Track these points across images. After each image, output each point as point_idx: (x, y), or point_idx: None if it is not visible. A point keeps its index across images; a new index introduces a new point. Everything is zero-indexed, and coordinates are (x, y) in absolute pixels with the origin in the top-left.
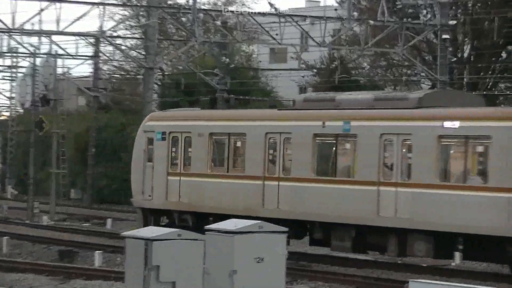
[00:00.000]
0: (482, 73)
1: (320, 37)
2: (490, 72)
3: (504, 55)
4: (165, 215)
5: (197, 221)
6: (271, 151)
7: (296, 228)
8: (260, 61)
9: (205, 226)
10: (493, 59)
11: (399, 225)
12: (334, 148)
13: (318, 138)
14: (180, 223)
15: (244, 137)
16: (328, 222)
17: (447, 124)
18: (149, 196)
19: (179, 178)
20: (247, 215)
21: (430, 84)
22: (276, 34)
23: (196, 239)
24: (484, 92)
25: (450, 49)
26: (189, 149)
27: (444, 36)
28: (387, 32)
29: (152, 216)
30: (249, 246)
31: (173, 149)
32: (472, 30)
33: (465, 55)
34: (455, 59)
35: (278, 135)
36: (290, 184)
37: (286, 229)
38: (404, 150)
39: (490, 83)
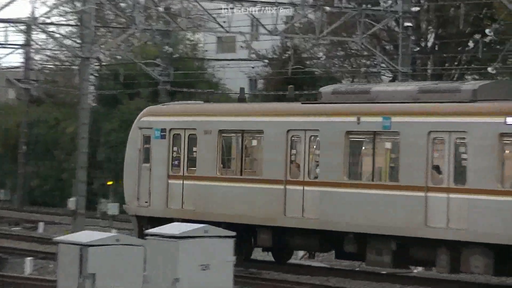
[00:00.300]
0: (447, 64)
1: (272, 25)
2: (456, 63)
3: (471, 44)
4: (165, 224)
5: None
6: (293, 151)
7: (323, 239)
8: (207, 51)
9: (145, 230)
10: (459, 48)
11: (452, 237)
12: (371, 148)
13: (351, 136)
14: None
15: (261, 135)
16: (363, 233)
17: (510, 120)
18: (146, 202)
19: (182, 181)
20: (264, 225)
21: (391, 75)
22: (224, 22)
23: (136, 245)
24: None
25: (413, 38)
26: (194, 149)
27: (406, 24)
28: (345, 20)
29: (149, 225)
30: (194, 252)
31: (175, 149)
32: (437, 17)
33: (429, 44)
34: (418, 48)
35: (302, 132)
36: (317, 189)
37: (233, 233)
38: (457, 150)
39: (456, 75)
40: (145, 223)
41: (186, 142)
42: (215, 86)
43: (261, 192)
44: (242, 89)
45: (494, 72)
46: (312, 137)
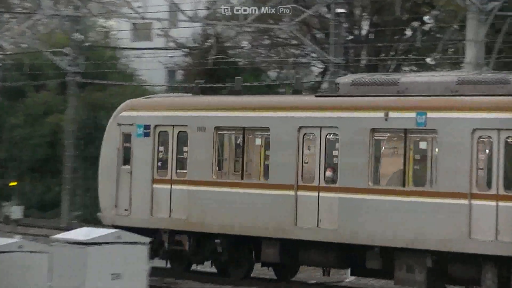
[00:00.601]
0: (382, 54)
1: (192, 11)
2: (392, 53)
3: (408, 32)
4: (149, 235)
5: (197, 244)
6: (307, 151)
7: (340, 253)
8: (120, 39)
9: (51, 236)
10: (396, 37)
11: (501, 252)
12: (401, 148)
13: (377, 135)
14: (172, 245)
15: (267, 133)
16: (392, 247)
17: None
18: (126, 210)
19: (169, 186)
20: (270, 236)
21: (323, 67)
22: (139, 7)
23: (41, 252)
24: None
25: (346, 25)
26: (185, 149)
27: (338, 10)
28: (271, 5)
29: None
30: (104, 259)
31: (161, 148)
32: (371, 3)
33: (363, 32)
34: (351, 37)
35: (317, 130)
36: (335, 196)
37: (148, 239)
38: (508, 151)
39: (392, 66)
40: None
41: (175, 140)
42: (129, 77)
43: (267, 199)
44: (238, 79)
45: (433, 63)
46: (329, 135)
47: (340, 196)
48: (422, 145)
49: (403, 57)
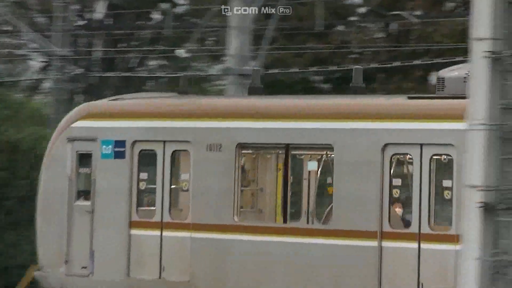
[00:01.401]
0: (123, 44)
1: None
2: (135, 43)
3: (156, 17)
4: None
5: None
6: (397, 182)
7: None
8: None
9: None
10: (140, 23)
11: None
12: None
13: None
14: None
15: (329, 153)
16: None
17: None
18: (84, 268)
19: (159, 232)
20: None
21: (45, 60)
22: None
23: None
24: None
25: (75, 7)
26: (183, 175)
27: None
28: None
29: None
30: None
31: (143, 175)
32: None
33: (98, 16)
34: (82, 22)
35: (415, 149)
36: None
37: None
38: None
39: (135, 59)
40: None
41: (168, 163)
42: None
43: (330, 253)
44: (256, 71)
45: (188, 55)
46: (440, 158)
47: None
48: None
49: (149, 48)
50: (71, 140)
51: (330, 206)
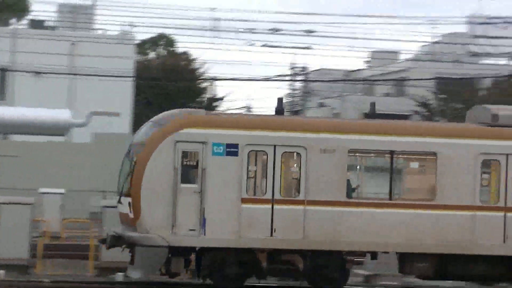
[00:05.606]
0: None
1: None
2: None
3: None
4: (232, 258)
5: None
6: None
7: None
8: None
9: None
10: None
11: None
12: None
13: None
14: (275, 265)
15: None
16: None
17: None
18: (191, 230)
19: (270, 206)
20: None
21: None
22: None
23: None
24: None
25: None
26: (292, 168)
27: None
28: None
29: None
30: None
31: (251, 168)
32: None
33: None
34: None
35: None
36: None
37: None
38: None
39: None
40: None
41: (278, 161)
42: None
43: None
44: (280, 100)
45: None
46: None
47: None
48: None
49: None
50: (178, 141)
51: None
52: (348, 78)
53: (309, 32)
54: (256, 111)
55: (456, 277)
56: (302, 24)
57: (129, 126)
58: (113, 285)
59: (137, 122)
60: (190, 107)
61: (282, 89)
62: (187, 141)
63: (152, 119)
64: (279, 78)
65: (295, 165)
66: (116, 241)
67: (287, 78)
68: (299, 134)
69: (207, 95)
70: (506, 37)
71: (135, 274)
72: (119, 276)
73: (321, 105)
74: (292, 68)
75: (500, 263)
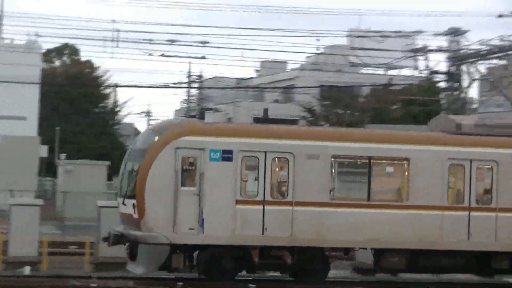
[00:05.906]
0: None
1: None
2: None
3: None
4: (227, 253)
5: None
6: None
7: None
8: None
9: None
10: None
11: None
12: None
13: None
14: (265, 260)
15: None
16: None
17: None
18: (191, 229)
19: (262, 207)
20: None
21: None
22: None
23: None
24: None
25: None
26: (281, 172)
27: None
28: None
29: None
30: None
31: (244, 172)
32: None
33: None
34: None
35: None
36: None
37: None
38: None
39: None
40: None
41: (268, 165)
42: None
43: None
44: (266, 110)
45: None
46: None
47: None
48: None
49: None
50: (179, 148)
51: None
52: (240, 85)
53: (204, 43)
54: (156, 115)
55: (425, 270)
56: (197, 35)
57: (36, 130)
58: (19, 278)
59: (43, 125)
60: (93, 112)
61: (179, 96)
62: (187, 148)
63: (151, 127)
64: (176, 85)
65: (284, 169)
66: (119, 239)
67: (184, 85)
68: (288, 141)
69: (110, 100)
70: (382, 49)
71: (138, 270)
72: (26, 270)
73: (216, 110)
74: (188, 76)
75: (463, 257)
